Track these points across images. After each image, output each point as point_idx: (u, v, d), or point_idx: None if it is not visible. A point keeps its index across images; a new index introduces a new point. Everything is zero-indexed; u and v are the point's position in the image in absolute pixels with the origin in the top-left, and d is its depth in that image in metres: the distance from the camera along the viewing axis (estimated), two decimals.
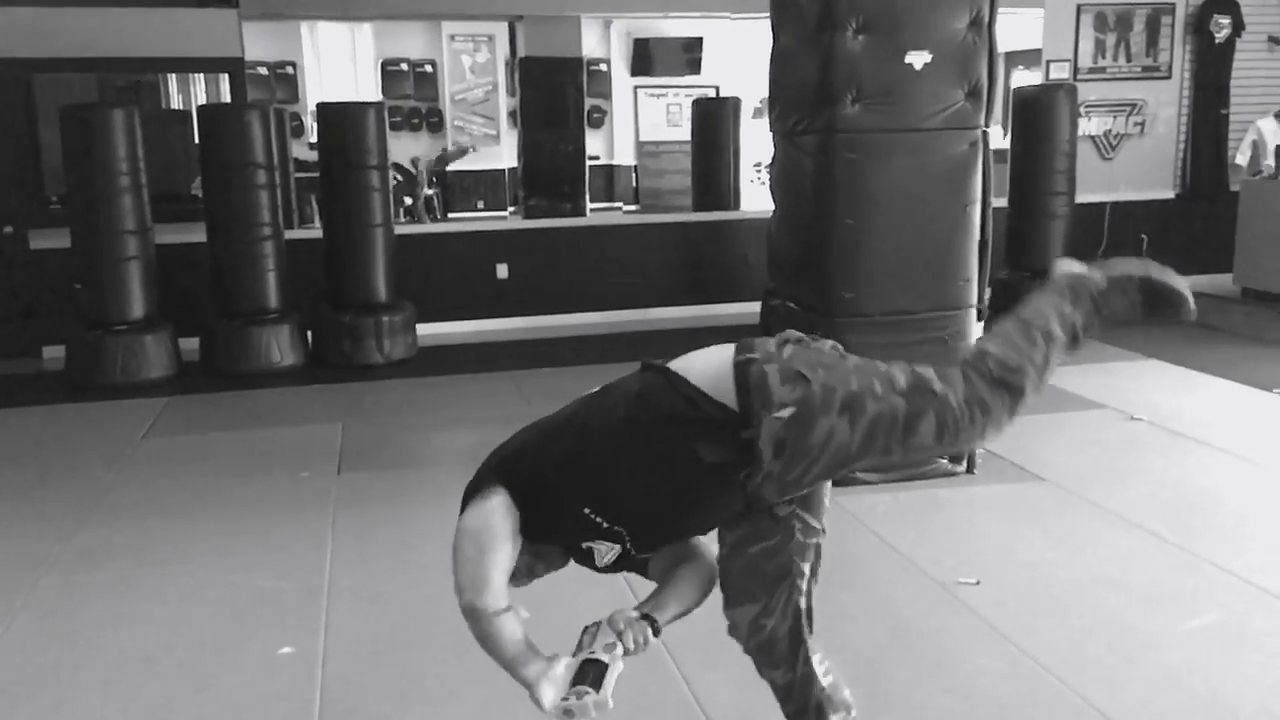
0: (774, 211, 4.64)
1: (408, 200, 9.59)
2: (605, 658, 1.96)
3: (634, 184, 11.32)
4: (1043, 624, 3.10)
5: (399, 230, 7.13)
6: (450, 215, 10.01)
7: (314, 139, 8.27)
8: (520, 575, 2.06)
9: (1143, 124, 8.56)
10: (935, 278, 4.28)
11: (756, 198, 8.89)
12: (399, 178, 9.62)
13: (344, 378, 6.36)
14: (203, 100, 7.88)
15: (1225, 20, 8.44)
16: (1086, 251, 8.19)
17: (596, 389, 2.08)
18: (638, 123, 11.34)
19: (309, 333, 6.73)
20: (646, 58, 11.12)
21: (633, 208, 11.02)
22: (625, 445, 1.95)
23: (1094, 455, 4.62)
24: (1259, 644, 2.97)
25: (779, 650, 2.18)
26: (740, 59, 9.93)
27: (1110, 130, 8.51)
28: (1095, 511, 3.96)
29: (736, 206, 9.11)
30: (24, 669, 3.02)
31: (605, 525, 1.98)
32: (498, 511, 1.93)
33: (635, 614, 2.02)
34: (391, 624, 3.23)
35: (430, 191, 9.94)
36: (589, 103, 9.68)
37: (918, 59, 4.13)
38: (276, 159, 6.68)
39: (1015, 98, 7.66)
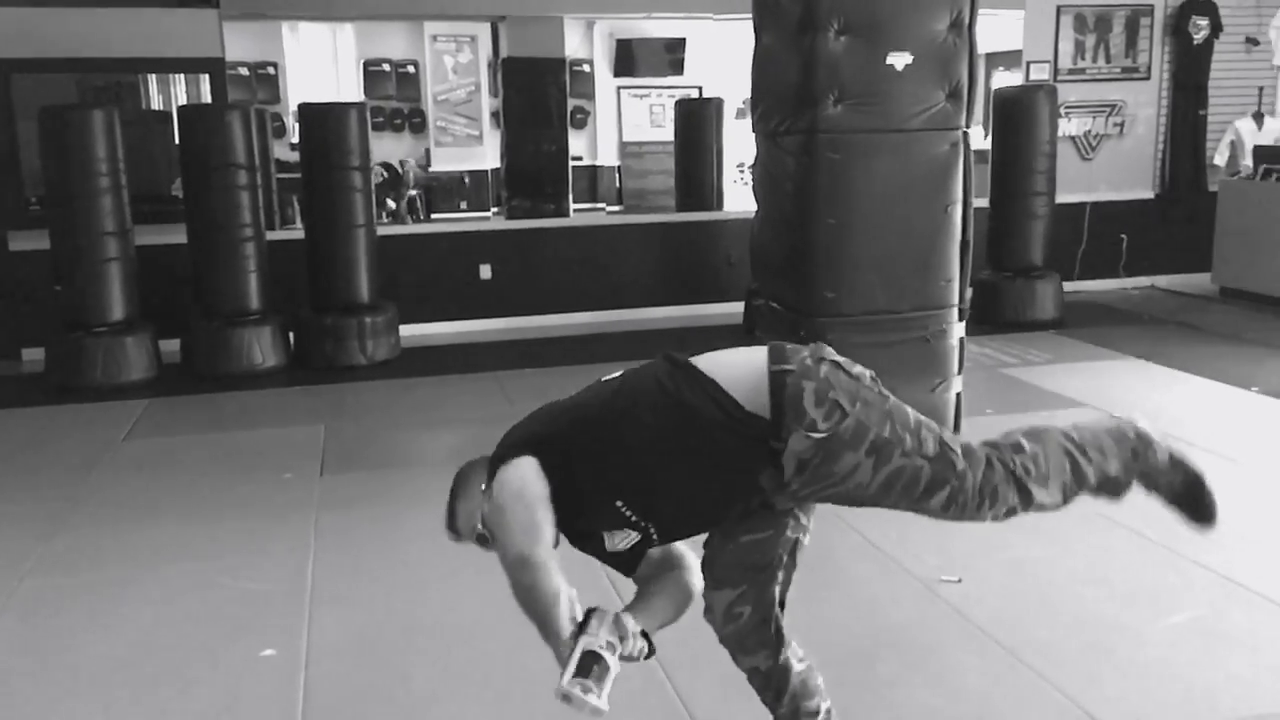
0: (757, 212, 4.66)
1: (390, 203, 9.55)
2: (608, 657, 1.92)
3: (617, 185, 11.31)
4: (1024, 621, 3.12)
5: (381, 231, 7.11)
6: (433, 216, 9.98)
7: (295, 139, 8.22)
8: None
9: (1122, 124, 8.63)
10: (917, 277, 4.30)
11: (740, 198, 8.91)
12: (385, 174, 9.59)
13: (326, 379, 6.34)
14: (183, 101, 7.84)
15: (1203, 21, 8.51)
16: (1067, 251, 8.30)
17: (615, 378, 2.08)
18: (621, 123, 11.34)
19: (291, 334, 6.70)
20: (629, 58, 11.12)
21: (616, 208, 11.01)
22: (659, 445, 1.97)
23: None
24: (1237, 639, 3.00)
25: (753, 637, 2.21)
26: (723, 60, 9.94)
27: (1090, 131, 8.57)
28: (1076, 509, 3.97)
29: (720, 207, 9.12)
30: (4, 672, 3.00)
31: (633, 518, 2.00)
32: (534, 471, 1.94)
33: (639, 627, 2.01)
34: (375, 626, 3.23)
35: (414, 192, 9.92)
36: (572, 103, 9.67)
37: (899, 60, 4.15)
38: (258, 160, 6.64)
39: (996, 98, 7.70)
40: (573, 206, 8.90)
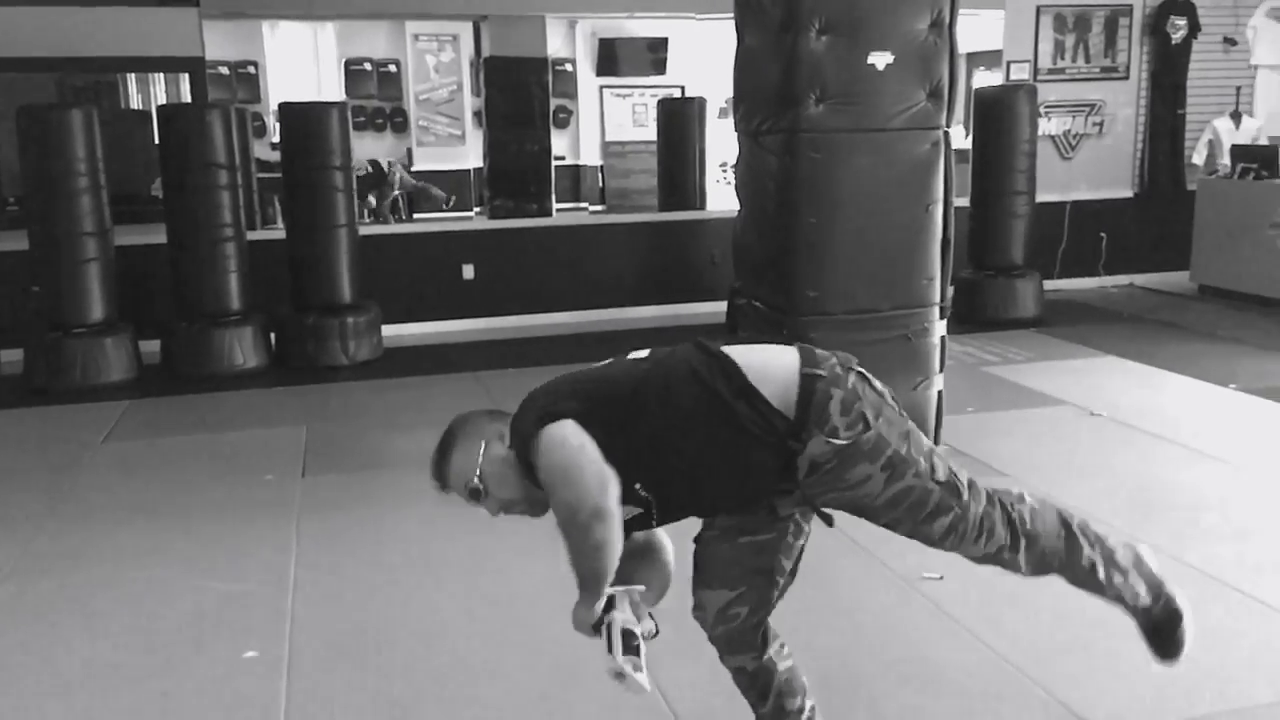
0: (739, 211, 4.66)
1: (371, 200, 9.51)
2: (641, 637, 1.95)
3: (600, 184, 11.32)
4: (1005, 617, 3.13)
5: (363, 231, 7.09)
6: (416, 216, 9.96)
7: (276, 139, 8.19)
8: (493, 507, 2.06)
9: (1101, 124, 8.69)
10: (899, 276, 4.32)
11: (722, 197, 8.92)
12: (370, 169, 9.54)
13: (308, 380, 6.31)
14: (163, 100, 7.80)
15: (1181, 22, 8.58)
16: (1047, 249, 8.34)
17: (644, 358, 2.09)
18: (603, 123, 11.34)
19: (272, 334, 6.67)
20: (612, 58, 11.12)
21: (599, 208, 11.02)
22: (686, 430, 1.97)
23: (1055, 450, 4.68)
24: (1215, 634, 3.01)
25: (743, 639, 2.21)
26: (705, 59, 9.95)
27: (1070, 130, 8.63)
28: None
29: (702, 206, 9.13)
30: None
31: (645, 496, 1.99)
32: (579, 429, 1.92)
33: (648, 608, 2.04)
34: (357, 627, 3.22)
35: (398, 192, 9.89)
36: (554, 103, 9.67)
37: (880, 60, 4.16)
38: (238, 159, 6.62)
39: (976, 98, 7.74)
40: (555, 206, 8.90)
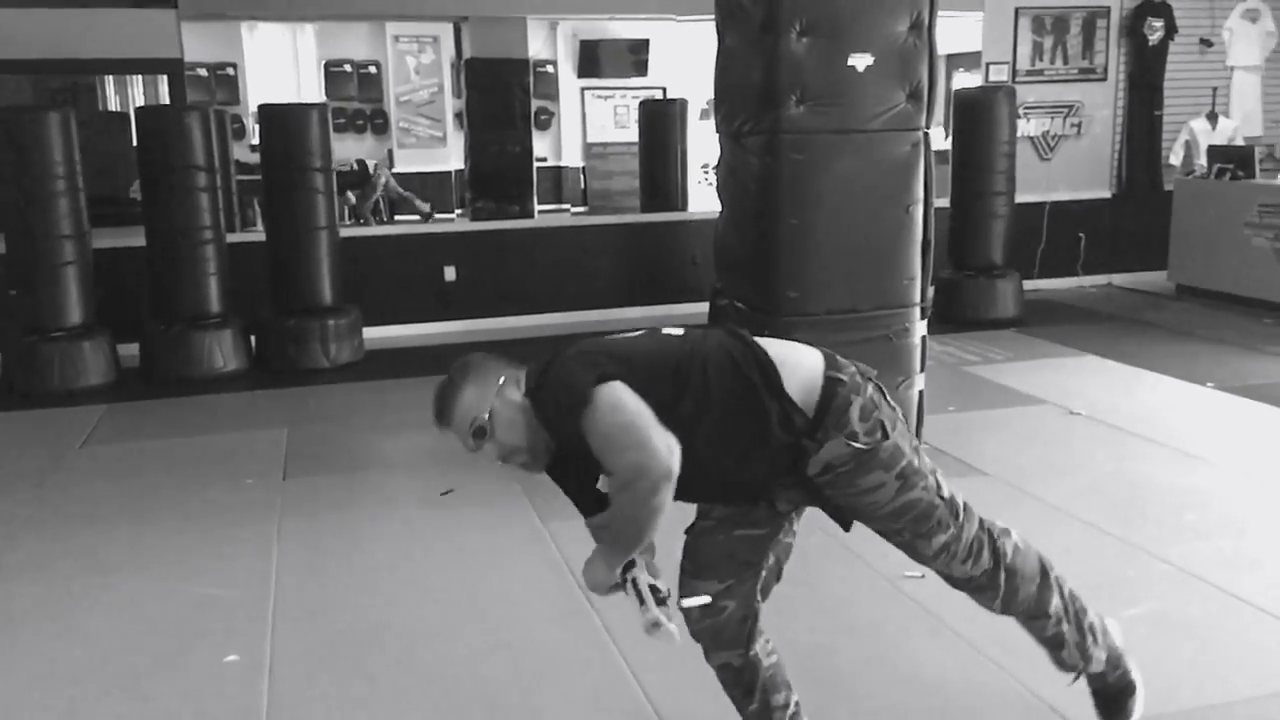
0: (721, 212, 4.67)
1: (351, 196, 9.45)
2: (662, 590, 1.99)
3: (582, 185, 11.32)
4: (986, 615, 3.11)
5: (344, 233, 7.07)
6: (397, 217, 9.94)
7: (256, 141, 8.15)
8: (494, 452, 2.03)
9: (1080, 125, 8.75)
10: (879, 276, 4.34)
11: (704, 199, 8.94)
12: (354, 167, 9.50)
13: (289, 382, 6.28)
14: (141, 102, 7.75)
15: (1158, 23, 8.65)
16: (1026, 250, 8.39)
17: (678, 335, 2.11)
18: (585, 124, 11.34)
19: (252, 337, 6.64)
20: (593, 59, 11.13)
21: (581, 209, 11.02)
22: (713, 411, 1.98)
23: (1035, 449, 4.71)
24: (1194, 630, 3.05)
25: (730, 633, 2.21)
26: (687, 61, 9.97)
27: (1048, 131, 8.69)
28: (1036, 505, 4.04)
29: (684, 207, 9.15)
30: None
31: None
32: (633, 393, 1.92)
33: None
34: (340, 631, 3.20)
35: (380, 194, 9.86)
36: (536, 104, 9.67)
37: (860, 61, 4.18)
38: (217, 161, 6.58)
39: (956, 99, 7.78)
40: (537, 207, 8.90)
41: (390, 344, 7.18)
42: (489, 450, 2.02)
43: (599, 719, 2.70)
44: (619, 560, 1.98)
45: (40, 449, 5.08)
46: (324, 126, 6.64)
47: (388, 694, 2.84)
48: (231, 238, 6.83)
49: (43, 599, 3.47)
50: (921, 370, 4.53)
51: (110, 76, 7.89)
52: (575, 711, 2.73)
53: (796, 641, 2.81)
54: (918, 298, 4.42)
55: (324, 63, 10.62)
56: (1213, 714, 2.64)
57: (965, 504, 2.15)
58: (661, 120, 9.44)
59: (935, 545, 2.12)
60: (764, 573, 2.21)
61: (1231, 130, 8.64)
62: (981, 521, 2.17)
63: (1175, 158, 8.74)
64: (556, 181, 11.13)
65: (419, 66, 10.61)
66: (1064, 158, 8.74)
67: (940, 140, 7.87)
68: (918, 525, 2.09)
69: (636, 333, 2.17)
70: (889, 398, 2.12)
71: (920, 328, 4.47)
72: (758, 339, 2.10)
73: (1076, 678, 2.37)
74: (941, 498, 2.10)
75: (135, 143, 6.64)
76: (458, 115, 10.10)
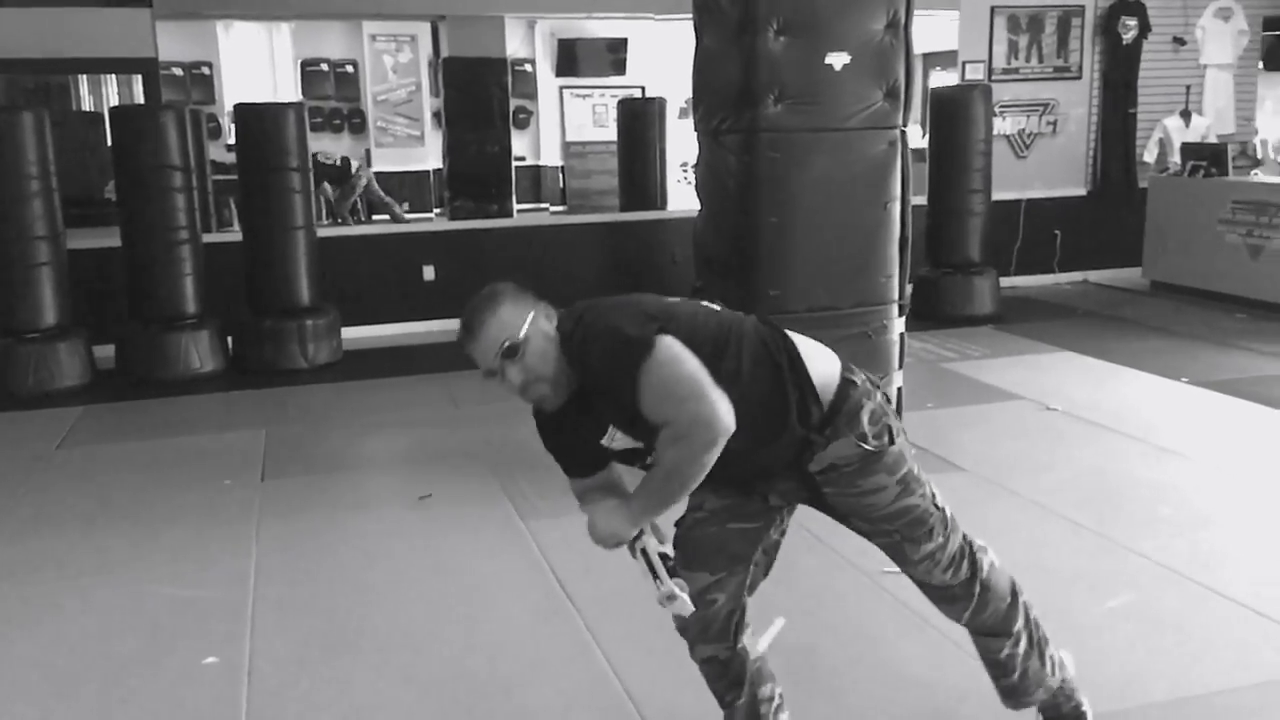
0: (700, 210, 4.68)
1: (328, 188, 9.38)
2: (671, 558, 2.00)
3: (561, 185, 11.31)
4: None
5: (322, 233, 7.03)
6: (374, 217, 9.90)
7: (232, 141, 8.11)
8: (518, 377, 1.99)
9: (1055, 123, 8.81)
10: (858, 274, 4.35)
11: (683, 197, 8.95)
12: (337, 163, 9.44)
13: (266, 383, 6.25)
14: (115, 102, 7.70)
15: (1132, 22, 8.72)
16: (1003, 247, 8.44)
17: (714, 309, 2.13)
18: (564, 123, 11.33)
19: (229, 338, 6.60)
20: (571, 58, 11.12)
21: (560, 208, 11.01)
22: (738, 389, 1.97)
23: (1012, 445, 4.74)
24: (1170, 622, 3.08)
25: (716, 627, 2.21)
26: (665, 60, 9.98)
27: (1024, 129, 8.75)
28: (1014, 500, 4.07)
29: (663, 206, 9.16)
30: None
31: None
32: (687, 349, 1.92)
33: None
34: (319, 632, 3.19)
35: (359, 194, 9.81)
36: (514, 103, 9.64)
37: (837, 60, 4.19)
38: (193, 161, 6.54)
39: (933, 98, 7.82)
40: (516, 207, 8.88)
41: (369, 344, 7.15)
42: (511, 374, 1.97)
43: (580, 717, 2.70)
44: (648, 517, 1.99)
45: (16, 451, 5.03)
46: (300, 126, 6.61)
47: (367, 694, 2.83)
48: (208, 238, 6.78)
49: (19, 602, 3.44)
50: (900, 367, 4.56)
51: (84, 76, 7.83)
52: (557, 710, 2.73)
53: (777, 639, 2.81)
54: (896, 295, 4.44)
55: (300, 62, 10.56)
56: (1189, 705, 2.67)
57: (953, 517, 2.21)
58: (640, 119, 9.45)
59: (923, 551, 2.16)
60: (753, 568, 2.23)
61: (1204, 128, 8.73)
62: (964, 535, 2.23)
63: (1149, 155, 8.82)
64: (535, 180, 11.11)
65: (396, 65, 10.57)
66: (1040, 155, 8.80)
67: (917, 138, 7.90)
68: (911, 530, 2.14)
69: (671, 299, 2.16)
70: (891, 407, 2.18)
71: (898, 325, 4.49)
72: (787, 331, 2.13)
73: (1032, 705, 2.42)
74: (936, 507, 2.16)
75: (110, 143, 6.59)
76: (435, 114, 10.07)
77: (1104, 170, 8.93)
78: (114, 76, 7.69)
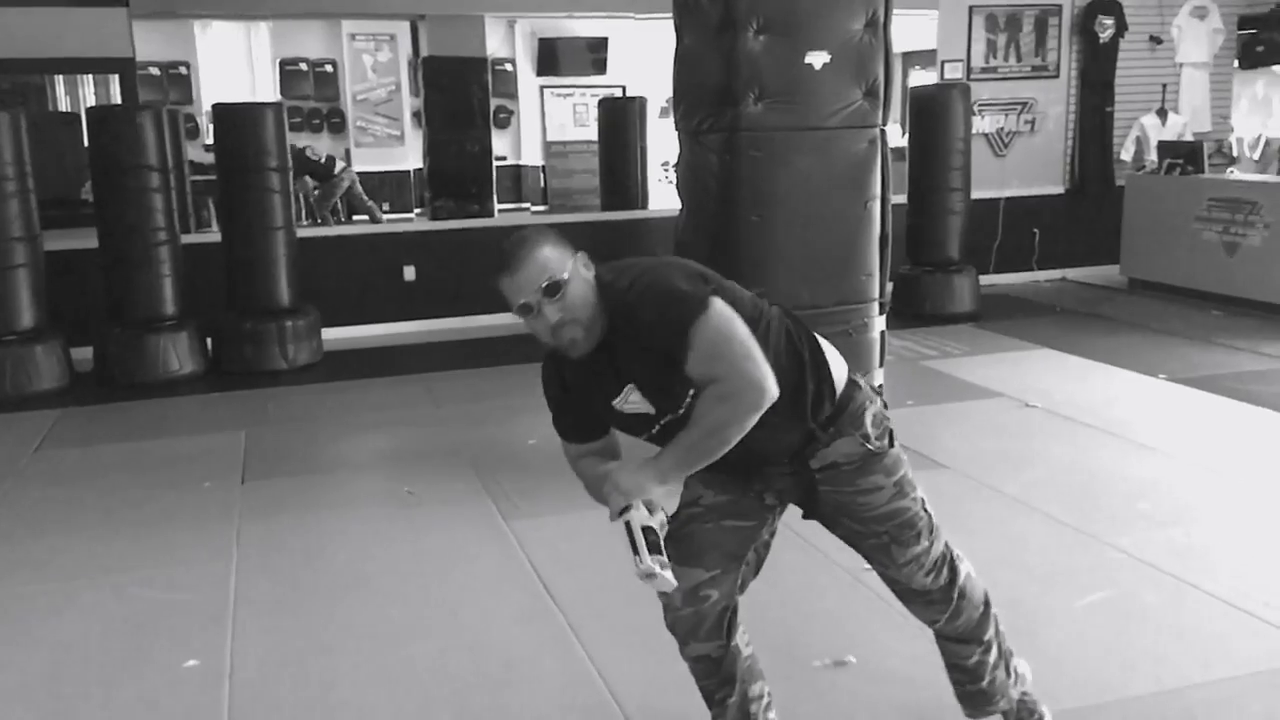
0: (681, 210, 4.68)
1: (309, 181, 9.33)
2: (656, 532, 1.97)
3: (542, 184, 11.30)
4: None
5: (302, 233, 7.00)
6: (355, 217, 9.86)
7: (210, 141, 8.06)
8: (555, 315, 1.95)
9: (1033, 122, 8.86)
10: (839, 273, 4.37)
11: (664, 196, 8.96)
12: (320, 160, 9.39)
13: (246, 385, 6.22)
14: (92, 102, 7.63)
15: (1109, 21, 8.78)
16: (982, 245, 8.48)
17: (755, 293, 2.12)
18: (544, 123, 11.33)
19: (208, 339, 6.56)
20: (552, 57, 11.11)
21: (541, 208, 11.01)
22: (773, 369, 1.97)
23: (992, 442, 4.77)
24: (1148, 617, 3.11)
25: (709, 624, 2.21)
26: (645, 59, 9.98)
27: (1003, 128, 8.79)
28: (994, 496, 4.09)
29: (645, 205, 9.17)
30: None
31: (680, 410, 1.97)
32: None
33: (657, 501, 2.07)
34: (300, 633, 3.18)
35: (340, 195, 9.77)
36: (494, 103, 9.64)
37: (817, 59, 4.20)
38: (171, 162, 6.49)
39: (912, 97, 7.86)
40: (497, 206, 8.87)
41: (349, 345, 7.13)
42: (549, 311, 1.93)
43: (563, 716, 2.70)
44: (677, 474, 1.99)
45: None
46: (279, 126, 6.58)
47: (350, 696, 2.82)
48: (186, 239, 6.75)
49: None
50: (881, 365, 4.57)
51: (61, 76, 7.76)
52: (541, 710, 2.73)
53: (760, 636, 2.81)
54: (877, 293, 4.46)
55: (279, 61, 10.52)
56: (1167, 699, 2.69)
57: (937, 523, 2.25)
58: (621, 118, 9.45)
59: (909, 554, 2.20)
60: (745, 566, 2.24)
61: (1181, 126, 8.80)
62: (947, 543, 2.28)
63: (1126, 153, 8.88)
64: (516, 180, 11.10)
65: (376, 65, 10.54)
66: (1018, 154, 8.85)
67: (897, 137, 7.95)
68: (900, 532, 2.18)
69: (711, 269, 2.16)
70: (889, 416, 2.22)
71: (879, 323, 4.50)
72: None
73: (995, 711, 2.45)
74: (925, 511, 2.21)
75: (87, 143, 6.54)
76: (415, 114, 10.05)
77: (1082, 168, 8.99)
78: (91, 76, 7.62)
